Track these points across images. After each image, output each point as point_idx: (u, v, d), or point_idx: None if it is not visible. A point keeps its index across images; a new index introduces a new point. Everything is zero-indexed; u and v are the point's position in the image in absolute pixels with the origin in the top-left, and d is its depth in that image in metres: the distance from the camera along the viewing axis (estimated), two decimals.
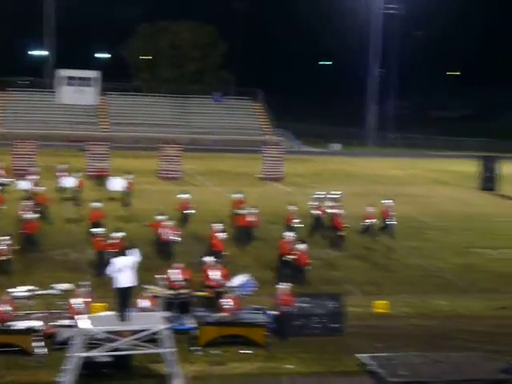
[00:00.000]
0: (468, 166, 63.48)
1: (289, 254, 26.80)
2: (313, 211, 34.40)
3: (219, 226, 28.38)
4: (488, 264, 31.34)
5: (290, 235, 27.73)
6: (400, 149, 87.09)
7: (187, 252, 29.50)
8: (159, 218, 29.62)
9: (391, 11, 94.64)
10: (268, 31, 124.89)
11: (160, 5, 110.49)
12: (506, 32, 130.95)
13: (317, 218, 34.15)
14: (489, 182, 53.25)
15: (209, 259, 24.11)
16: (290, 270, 26.44)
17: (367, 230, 34.25)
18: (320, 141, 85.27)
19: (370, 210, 34.46)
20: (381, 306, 24.20)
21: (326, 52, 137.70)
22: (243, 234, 32.17)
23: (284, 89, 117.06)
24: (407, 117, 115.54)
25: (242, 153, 71.10)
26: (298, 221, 32.68)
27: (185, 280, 22.66)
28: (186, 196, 35.52)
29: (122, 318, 18.02)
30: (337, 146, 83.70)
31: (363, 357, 19.53)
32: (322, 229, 34.01)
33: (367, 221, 34.17)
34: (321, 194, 37.01)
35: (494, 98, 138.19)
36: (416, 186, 54.00)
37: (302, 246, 26.93)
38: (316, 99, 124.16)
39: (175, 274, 22.77)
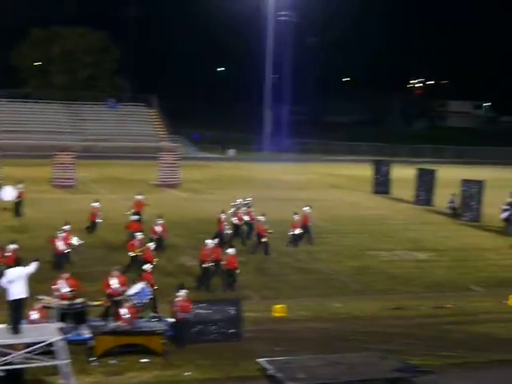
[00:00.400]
0: (362, 170, 64.90)
1: (208, 261, 26.89)
2: (233, 219, 34.58)
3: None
4: (382, 266, 32.01)
5: (211, 242, 27.63)
6: (296, 154, 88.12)
7: (90, 260, 29.34)
8: (65, 227, 28.95)
9: (284, 18, 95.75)
10: (163, 37, 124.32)
11: (50, 9, 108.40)
12: (397, 39, 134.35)
13: (236, 226, 34.16)
14: (382, 186, 54.47)
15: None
16: (206, 276, 26.83)
17: (298, 239, 34.35)
18: (216, 147, 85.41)
19: (296, 217, 34.43)
20: (279, 310, 24.33)
21: (223, 58, 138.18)
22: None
23: (179, 95, 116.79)
24: (303, 122, 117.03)
25: (137, 160, 70.52)
26: (228, 227, 33.42)
27: (72, 290, 22.13)
28: (97, 204, 34.99)
29: (15, 331, 17.50)
30: (232, 152, 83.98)
31: (262, 361, 19.56)
32: (243, 236, 34.07)
33: (296, 230, 34.37)
34: (238, 201, 36.84)
35: (386, 103, 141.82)
36: (312, 190, 54.71)
37: (230, 251, 27.12)
38: (212, 105, 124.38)
39: (62, 284, 22.25)
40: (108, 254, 31.45)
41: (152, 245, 27.73)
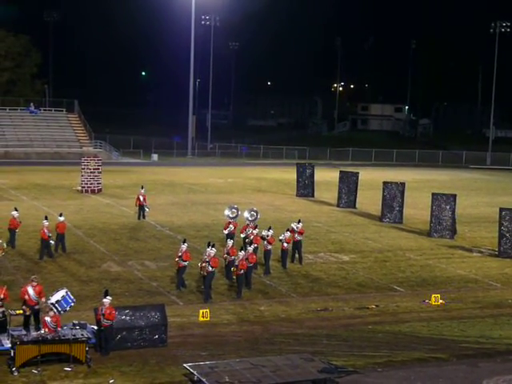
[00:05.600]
0: (286, 174, 65.44)
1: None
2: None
3: None
4: (306, 268, 32.23)
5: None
6: (219, 158, 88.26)
7: (10, 268, 28.90)
8: None
9: (207, 22, 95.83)
10: (85, 42, 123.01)
11: None
12: (318, 43, 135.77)
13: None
14: (305, 189, 54.91)
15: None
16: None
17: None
18: (138, 151, 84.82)
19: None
20: (203, 314, 24.27)
21: (145, 62, 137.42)
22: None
23: (101, 100, 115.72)
24: (227, 126, 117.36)
25: (59, 165, 69.53)
26: None
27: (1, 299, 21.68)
28: (16, 213, 34.11)
29: None
30: (155, 157, 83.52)
31: (187, 366, 19.47)
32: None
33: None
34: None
35: (309, 106, 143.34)
36: (235, 194, 54.84)
37: (184, 246, 27.71)
38: (135, 110, 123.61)
39: None
40: (28, 261, 30.90)
41: None
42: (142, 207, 41.67)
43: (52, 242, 31.58)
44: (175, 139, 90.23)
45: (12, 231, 33.40)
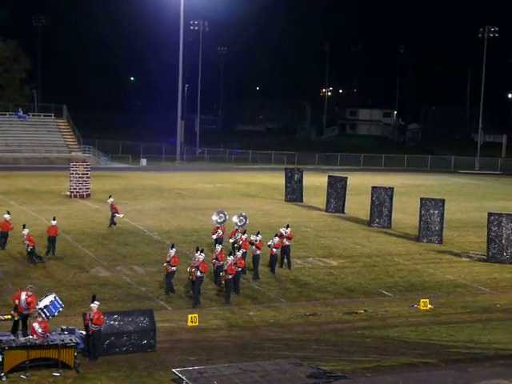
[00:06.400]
0: (275, 179, 65.44)
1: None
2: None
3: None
4: (295, 273, 32.24)
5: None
6: (207, 163, 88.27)
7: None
8: None
9: (195, 28, 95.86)
10: (73, 47, 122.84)
11: None
12: (307, 48, 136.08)
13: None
14: (294, 194, 54.95)
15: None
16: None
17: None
18: (127, 156, 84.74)
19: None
20: (191, 319, 24.25)
21: (134, 67, 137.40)
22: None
23: (90, 105, 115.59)
24: (215, 131, 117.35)
25: (47, 170, 69.38)
26: None
27: None
28: (8, 216, 34.22)
29: None
30: (143, 162, 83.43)
31: (176, 371, 19.45)
32: None
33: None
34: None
35: (297, 111, 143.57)
36: (224, 198, 54.82)
37: (172, 251, 27.85)
38: (124, 115, 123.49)
39: None
40: (17, 266, 30.80)
41: None
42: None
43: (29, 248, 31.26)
44: (171, 141, 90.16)
45: (4, 234, 33.54)
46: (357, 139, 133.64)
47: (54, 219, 33.99)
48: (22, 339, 20.43)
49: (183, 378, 18.94)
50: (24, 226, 31.73)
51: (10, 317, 21.91)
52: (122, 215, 41.36)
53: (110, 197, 41.62)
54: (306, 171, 58.16)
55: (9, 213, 34.77)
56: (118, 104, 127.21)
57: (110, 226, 40.86)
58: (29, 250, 31.14)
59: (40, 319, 20.73)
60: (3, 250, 33.27)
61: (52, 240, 33.28)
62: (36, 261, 31.29)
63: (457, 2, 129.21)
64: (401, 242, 40.75)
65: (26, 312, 21.77)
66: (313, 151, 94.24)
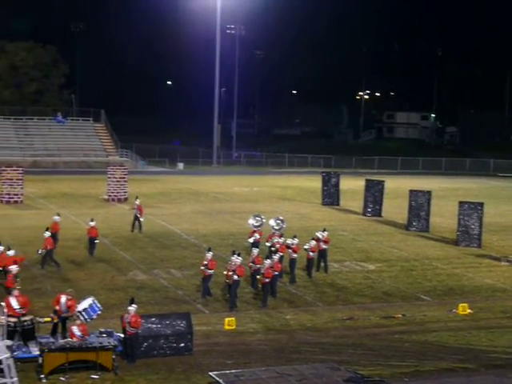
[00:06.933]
0: (311, 182, 65.31)
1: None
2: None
3: None
4: (332, 277, 32.14)
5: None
6: (244, 166, 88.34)
7: (39, 275, 29.38)
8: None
9: (232, 31, 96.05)
10: (111, 51, 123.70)
11: None
12: (344, 51, 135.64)
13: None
14: (331, 197, 54.79)
15: None
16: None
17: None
18: (164, 160, 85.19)
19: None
20: (228, 322, 24.29)
21: (171, 72, 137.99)
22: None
23: (128, 109, 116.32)
24: (251, 135, 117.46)
25: (86, 174, 70.02)
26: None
27: (21, 307, 21.81)
28: (58, 218, 34.87)
29: None
30: (180, 165, 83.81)
31: (213, 374, 19.47)
32: None
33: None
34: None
35: (334, 115, 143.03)
36: (260, 202, 54.85)
37: (209, 255, 27.91)
38: (161, 119, 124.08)
39: (14, 301, 21.91)
40: (55, 270, 31.04)
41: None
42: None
43: (39, 251, 30.96)
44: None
45: (54, 235, 33.89)
46: (394, 142, 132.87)
47: (92, 220, 34.44)
48: (61, 341, 20.63)
49: (220, 381, 18.94)
50: (47, 229, 31.66)
51: (49, 319, 22.13)
52: (142, 219, 40.73)
53: (136, 198, 41.60)
54: (342, 175, 57.97)
55: (58, 215, 35.45)
56: (155, 108, 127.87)
57: (132, 231, 40.14)
58: (43, 252, 30.91)
59: (79, 322, 20.93)
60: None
61: (92, 240, 33.89)
62: (52, 264, 31.08)
63: (496, 5, 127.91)
64: (439, 246, 40.41)
65: (65, 315, 21.97)
66: (350, 155, 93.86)
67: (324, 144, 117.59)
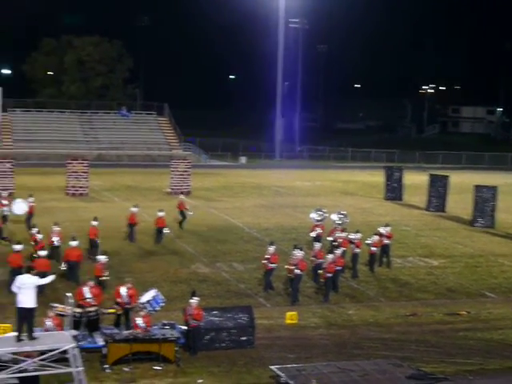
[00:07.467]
0: (374, 177, 64.81)
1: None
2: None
3: None
4: (395, 272, 31.88)
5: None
6: (306, 161, 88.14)
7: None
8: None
9: (295, 25, 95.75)
10: (174, 46, 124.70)
11: (62, 19, 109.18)
12: (408, 44, 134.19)
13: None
14: (394, 192, 54.31)
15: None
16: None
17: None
18: (227, 154, 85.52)
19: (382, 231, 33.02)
20: (290, 316, 24.28)
21: (234, 66, 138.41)
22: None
23: (191, 103, 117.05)
24: (314, 129, 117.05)
25: (149, 168, 70.74)
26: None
27: (93, 297, 22.20)
28: (135, 209, 35.65)
29: (18, 339, 17.62)
30: (243, 159, 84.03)
31: (274, 368, 19.50)
32: None
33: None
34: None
35: (398, 109, 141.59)
36: (323, 196, 54.64)
37: (271, 249, 27.99)
38: (224, 113, 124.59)
39: (87, 291, 22.30)
40: (120, 261, 31.43)
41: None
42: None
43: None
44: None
45: (131, 226, 35.23)
46: (459, 137, 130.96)
47: (161, 211, 35.43)
48: (125, 333, 20.92)
49: (282, 375, 18.97)
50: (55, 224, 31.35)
51: (113, 310, 22.47)
52: (191, 212, 40.56)
53: (181, 193, 41.30)
54: (405, 169, 57.39)
55: (136, 206, 36.17)
56: (217, 102, 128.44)
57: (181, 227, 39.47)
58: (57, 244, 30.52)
59: (142, 313, 21.19)
60: (106, 245, 33.94)
61: (159, 230, 34.96)
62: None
63: None
64: (504, 243, 39.73)
65: (128, 306, 22.26)
66: (413, 149, 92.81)
67: (387, 138, 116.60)
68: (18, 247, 26.50)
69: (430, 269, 32.98)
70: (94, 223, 32.17)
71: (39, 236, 29.05)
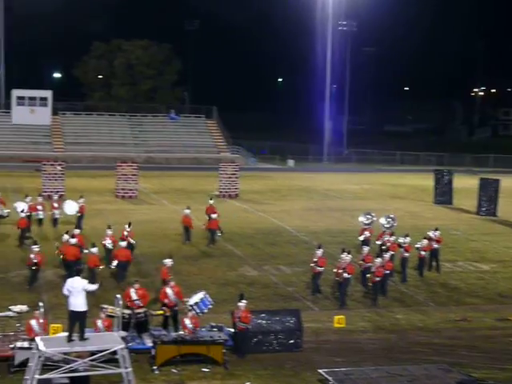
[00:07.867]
0: (423, 180, 64.22)
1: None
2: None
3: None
4: (444, 277, 31.56)
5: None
6: (354, 164, 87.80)
7: (152, 270, 30.21)
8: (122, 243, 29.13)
9: (344, 28, 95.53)
10: (222, 49, 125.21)
11: (112, 23, 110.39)
12: (459, 46, 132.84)
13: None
14: (443, 196, 53.76)
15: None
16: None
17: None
18: (275, 157, 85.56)
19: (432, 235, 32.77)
20: (338, 320, 24.20)
21: (282, 69, 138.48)
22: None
23: (239, 106, 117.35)
24: (363, 132, 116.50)
25: (198, 171, 71.12)
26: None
27: (140, 299, 22.39)
28: (188, 211, 36.07)
29: (69, 340, 17.84)
30: (291, 162, 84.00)
31: (322, 372, 19.45)
32: None
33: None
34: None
35: (448, 112, 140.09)
36: (371, 200, 54.35)
37: (319, 252, 28.01)
38: (271, 116, 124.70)
39: (134, 293, 22.51)
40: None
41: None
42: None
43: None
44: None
45: (186, 228, 35.73)
46: (510, 140, 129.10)
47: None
48: (173, 334, 21.06)
49: (330, 378, 18.92)
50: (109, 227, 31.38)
51: (162, 312, 22.62)
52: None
53: (210, 199, 40.48)
54: (455, 173, 56.78)
55: (189, 208, 36.53)
56: (265, 105, 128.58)
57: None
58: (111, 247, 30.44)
59: (191, 315, 21.30)
60: (154, 247, 34.32)
61: (213, 232, 35.45)
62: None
63: None
64: None
65: (176, 308, 22.34)
66: (463, 152, 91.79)
67: (436, 141, 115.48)
68: (94, 250, 27.51)
69: (480, 273, 32.57)
70: (128, 228, 31.57)
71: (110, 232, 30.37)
